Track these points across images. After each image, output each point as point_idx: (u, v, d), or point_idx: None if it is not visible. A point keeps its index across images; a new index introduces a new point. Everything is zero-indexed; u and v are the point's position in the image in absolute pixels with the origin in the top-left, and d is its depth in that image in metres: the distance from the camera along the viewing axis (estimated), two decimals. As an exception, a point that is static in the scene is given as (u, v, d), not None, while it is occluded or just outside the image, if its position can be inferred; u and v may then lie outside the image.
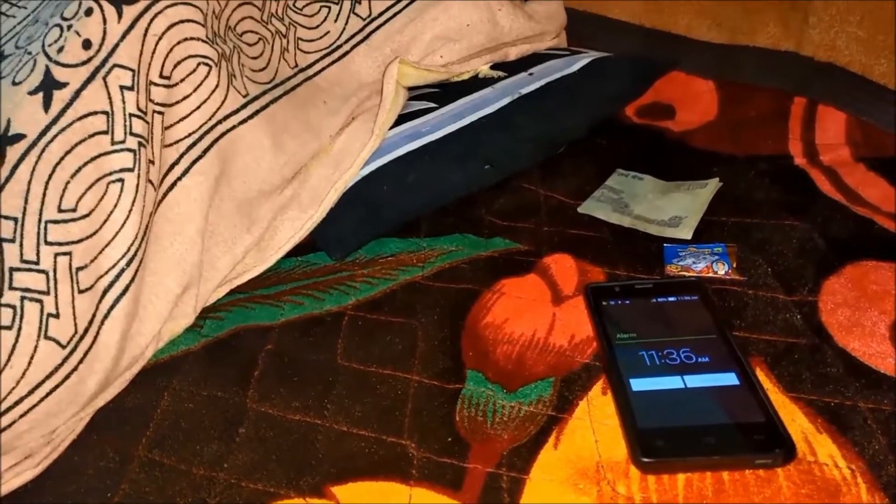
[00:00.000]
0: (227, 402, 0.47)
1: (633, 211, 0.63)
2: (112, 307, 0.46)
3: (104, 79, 0.47)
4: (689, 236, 0.59)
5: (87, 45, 0.47)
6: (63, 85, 0.46)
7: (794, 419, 0.43)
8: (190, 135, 0.52)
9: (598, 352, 0.49)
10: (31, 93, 0.46)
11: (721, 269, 0.54)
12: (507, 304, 0.54)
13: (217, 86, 0.53)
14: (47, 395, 0.42)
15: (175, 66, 0.51)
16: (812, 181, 0.66)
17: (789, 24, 0.77)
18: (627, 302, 0.52)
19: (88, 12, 0.47)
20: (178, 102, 0.51)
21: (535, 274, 0.57)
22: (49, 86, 0.46)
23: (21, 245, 0.43)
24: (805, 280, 0.54)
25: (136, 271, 0.47)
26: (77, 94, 0.46)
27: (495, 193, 0.67)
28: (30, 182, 0.44)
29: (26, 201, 0.43)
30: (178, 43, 0.51)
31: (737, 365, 0.45)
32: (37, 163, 0.44)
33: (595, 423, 0.44)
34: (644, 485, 0.40)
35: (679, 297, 0.52)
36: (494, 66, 0.74)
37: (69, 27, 0.47)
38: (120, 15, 0.48)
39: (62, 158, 0.45)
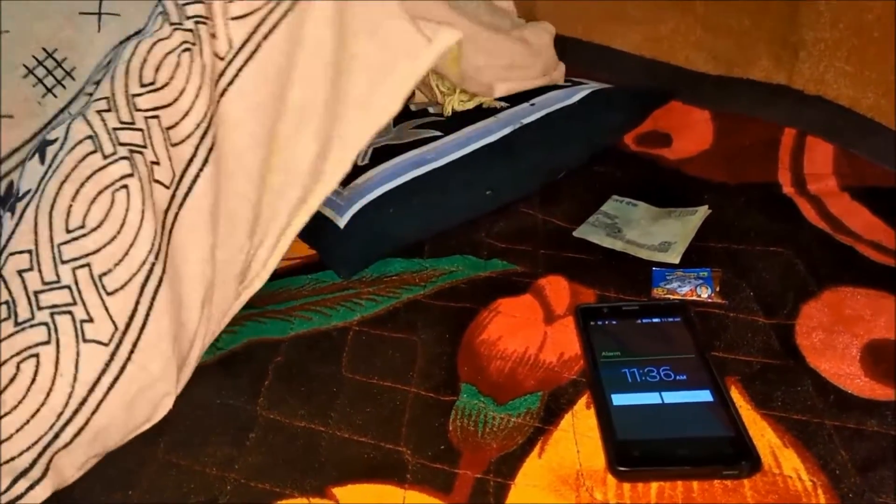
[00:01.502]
0: (239, 410, 0.51)
1: (626, 236, 0.67)
2: (153, 298, 0.49)
3: (82, 114, 0.51)
4: (676, 261, 0.63)
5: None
6: (53, 140, 0.51)
7: (763, 434, 0.46)
8: (198, 125, 0.53)
9: (584, 368, 0.52)
10: (30, 157, 0.51)
11: (704, 293, 0.58)
12: (502, 323, 0.57)
13: (204, 66, 0.54)
14: (110, 387, 0.46)
15: (157, 70, 0.53)
16: (798, 209, 0.69)
17: (781, 58, 0.81)
18: (614, 322, 0.55)
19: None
20: (175, 100, 0.53)
21: (530, 294, 0.60)
22: (42, 145, 0.51)
23: (40, 271, 0.47)
24: (785, 304, 0.57)
25: (165, 262, 0.50)
26: (65, 138, 0.51)
27: (496, 217, 0.71)
28: (36, 218, 0.48)
29: (36, 234, 0.48)
30: (150, 49, 0.53)
31: (712, 383, 0.48)
32: (39, 201, 0.49)
33: (578, 434, 0.47)
34: (619, 492, 0.43)
35: (663, 318, 0.55)
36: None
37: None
38: None
39: (60, 188, 0.49)
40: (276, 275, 0.64)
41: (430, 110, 0.80)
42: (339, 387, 0.52)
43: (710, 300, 0.57)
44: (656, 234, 0.66)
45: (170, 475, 0.46)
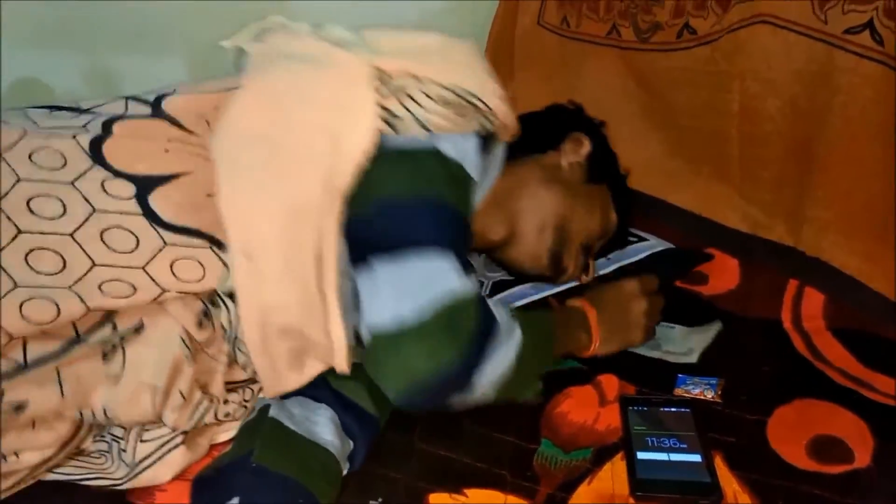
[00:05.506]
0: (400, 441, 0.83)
1: (662, 348, 0.96)
2: None
3: None
4: (695, 360, 0.92)
5: None
6: None
7: (731, 484, 0.73)
8: None
9: (621, 436, 0.81)
10: None
11: (708, 395, 0.86)
12: (570, 403, 0.88)
13: None
14: None
15: None
16: (791, 341, 0.96)
17: (792, 227, 1.09)
18: (645, 409, 0.84)
19: None
20: None
21: (591, 386, 0.90)
22: None
23: None
24: (765, 406, 0.84)
25: None
26: None
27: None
28: None
29: None
30: None
31: (703, 450, 0.76)
32: None
33: (614, 475, 0.76)
34: (635, 508, 0.72)
35: (677, 408, 0.84)
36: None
37: None
38: None
39: None
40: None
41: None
42: (466, 434, 0.84)
43: (711, 399, 0.86)
44: (684, 344, 0.96)
45: (368, 480, 0.78)
